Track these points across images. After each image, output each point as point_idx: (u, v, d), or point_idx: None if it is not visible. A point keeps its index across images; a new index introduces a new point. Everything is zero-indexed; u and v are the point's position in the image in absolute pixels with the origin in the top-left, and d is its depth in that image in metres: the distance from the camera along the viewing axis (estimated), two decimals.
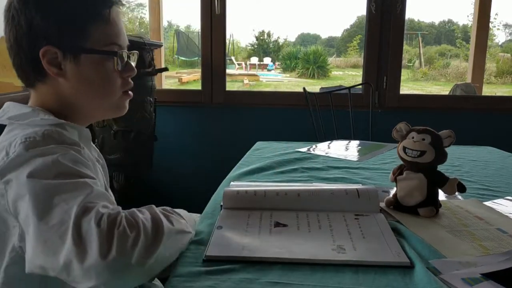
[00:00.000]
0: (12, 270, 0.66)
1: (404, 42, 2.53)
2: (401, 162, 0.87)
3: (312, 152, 1.45)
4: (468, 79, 3.17)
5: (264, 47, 14.42)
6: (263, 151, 1.44)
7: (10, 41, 0.74)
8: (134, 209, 0.60)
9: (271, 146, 1.52)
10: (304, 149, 1.47)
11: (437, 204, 0.84)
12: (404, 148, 0.84)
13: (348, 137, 2.04)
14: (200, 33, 2.58)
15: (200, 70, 2.60)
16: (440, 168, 0.84)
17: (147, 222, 0.57)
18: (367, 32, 2.49)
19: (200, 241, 0.69)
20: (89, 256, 0.52)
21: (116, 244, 0.52)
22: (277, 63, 13.79)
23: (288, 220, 0.77)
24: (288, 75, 12.69)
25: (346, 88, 2.38)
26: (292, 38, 15.86)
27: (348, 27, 15.75)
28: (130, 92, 0.82)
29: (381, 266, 0.62)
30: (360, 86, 2.57)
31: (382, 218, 0.79)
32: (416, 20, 14.15)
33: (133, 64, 0.81)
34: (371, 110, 2.32)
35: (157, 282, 0.91)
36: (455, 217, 0.82)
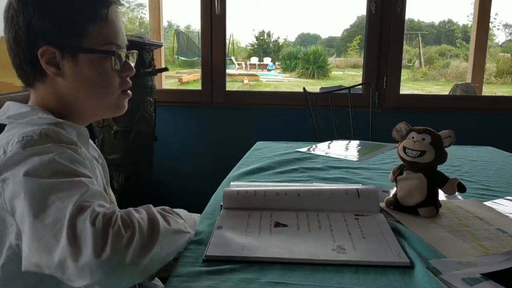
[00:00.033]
0: (9, 268, 0.66)
1: (404, 42, 2.53)
2: (401, 162, 0.87)
3: (312, 152, 1.45)
4: (468, 79, 3.16)
5: (264, 47, 14.40)
6: (263, 151, 1.44)
7: (10, 41, 0.74)
8: (131, 209, 0.60)
9: (271, 146, 1.52)
10: (304, 149, 1.47)
11: (437, 204, 0.84)
12: (404, 148, 0.84)
13: (348, 137, 2.04)
14: (200, 33, 2.58)
15: (200, 70, 2.60)
16: (440, 168, 0.84)
17: (143, 221, 0.57)
18: (367, 32, 2.49)
19: (200, 241, 0.69)
20: (83, 255, 0.52)
21: (110, 243, 0.52)
22: (277, 63, 13.76)
23: (288, 220, 0.77)
24: (288, 75, 12.67)
25: (346, 88, 2.38)
26: (292, 38, 15.86)
27: (348, 27, 15.74)
28: (129, 91, 0.82)
29: (381, 266, 0.62)
30: (360, 86, 2.57)
31: (382, 218, 0.79)
32: (416, 20, 14.14)
33: (132, 63, 0.81)
34: (371, 110, 2.32)
35: (157, 282, 0.91)
36: (455, 217, 0.82)
